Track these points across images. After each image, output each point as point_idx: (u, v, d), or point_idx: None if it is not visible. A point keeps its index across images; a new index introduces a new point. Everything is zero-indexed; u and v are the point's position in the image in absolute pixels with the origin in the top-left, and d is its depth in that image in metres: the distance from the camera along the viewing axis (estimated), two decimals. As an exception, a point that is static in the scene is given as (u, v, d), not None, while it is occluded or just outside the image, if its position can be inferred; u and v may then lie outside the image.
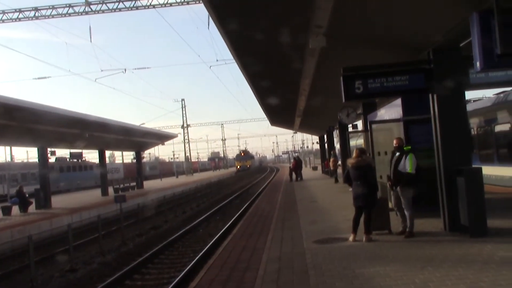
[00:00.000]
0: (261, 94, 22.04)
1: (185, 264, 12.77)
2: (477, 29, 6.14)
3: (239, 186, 47.32)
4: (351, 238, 9.58)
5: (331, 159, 30.58)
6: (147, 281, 11.82)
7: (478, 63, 6.22)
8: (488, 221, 8.86)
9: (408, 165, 9.32)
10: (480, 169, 9.10)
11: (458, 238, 8.85)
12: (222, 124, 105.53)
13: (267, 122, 43.61)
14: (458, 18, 7.65)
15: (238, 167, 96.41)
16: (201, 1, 9.56)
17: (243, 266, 8.49)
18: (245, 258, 9.20)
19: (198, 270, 9.58)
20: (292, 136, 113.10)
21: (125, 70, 35.23)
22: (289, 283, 7.01)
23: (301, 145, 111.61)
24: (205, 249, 14.00)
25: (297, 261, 8.35)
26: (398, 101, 12.22)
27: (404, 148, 9.65)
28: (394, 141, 9.82)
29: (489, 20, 6.03)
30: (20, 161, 69.40)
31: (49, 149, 28.93)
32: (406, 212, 9.58)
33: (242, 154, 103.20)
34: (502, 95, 15.71)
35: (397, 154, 9.63)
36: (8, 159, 55.39)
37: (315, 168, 57.73)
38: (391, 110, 13.29)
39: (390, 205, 10.47)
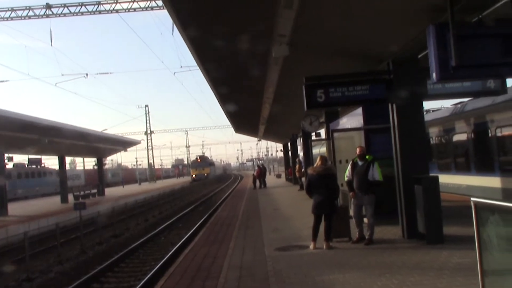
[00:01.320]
0: (225, 101, 22.02)
1: (146, 273, 12.59)
2: (433, 41, 6.31)
3: (203, 193, 47.05)
4: (311, 246, 9.64)
5: (297, 166, 30.73)
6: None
7: (434, 74, 6.39)
8: (445, 228, 9.10)
9: (377, 173, 9.53)
10: (437, 177, 9.32)
11: (416, 245, 9.05)
12: (186, 130, 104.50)
13: (232, 129, 43.64)
14: (415, 31, 7.86)
15: (194, 176, 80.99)
16: (165, 8, 9.46)
17: (204, 274, 8.44)
18: (206, 266, 9.15)
19: (159, 278, 9.46)
20: (257, 144, 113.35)
21: (87, 74, 34.76)
22: (249, 291, 7.01)
23: (266, 153, 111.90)
24: (166, 257, 13.84)
25: (258, 269, 8.35)
26: (360, 110, 12.43)
27: (367, 157, 9.82)
28: (357, 150, 9.99)
29: (444, 33, 6.20)
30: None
31: (6, 155, 28.05)
32: (367, 220, 9.73)
33: (199, 160, 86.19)
34: (459, 105, 16.18)
35: (361, 163, 9.78)
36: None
37: (279, 176, 58.01)
38: (353, 119, 13.51)
39: (350, 212, 10.62)
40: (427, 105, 26.60)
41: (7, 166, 32.27)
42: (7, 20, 23.80)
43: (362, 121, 12.18)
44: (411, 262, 7.79)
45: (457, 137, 16.31)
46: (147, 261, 14.72)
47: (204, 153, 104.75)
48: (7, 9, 23.81)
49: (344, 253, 9.05)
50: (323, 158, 9.85)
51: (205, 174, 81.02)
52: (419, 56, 9.44)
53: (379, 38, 9.35)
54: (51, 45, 29.12)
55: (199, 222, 21.24)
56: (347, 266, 7.94)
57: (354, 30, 9.26)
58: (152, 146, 78.92)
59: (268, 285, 7.19)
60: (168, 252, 14.87)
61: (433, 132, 17.81)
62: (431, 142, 18.01)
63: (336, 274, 7.39)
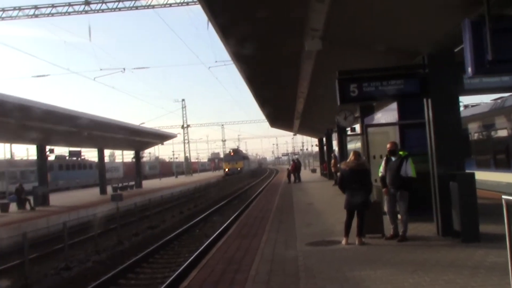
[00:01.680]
0: (259, 96, 22.08)
1: (180, 264, 12.81)
2: (469, 35, 6.17)
3: (238, 187, 47.33)
4: (343, 241, 9.60)
5: (332, 161, 30.46)
6: (140, 280, 11.86)
7: (469, 69, 6.24)
8: (481, 226, 8.87)
9: (410, 169, 9.39)
10: (473, 174, 9.12)
11: (450, 242, 8.87)
12: (222, 124, 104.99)
13: (267, 124, 43.67)
14: (451, 24, 7.69)
15: (227, 169, 76.74)
16: (198, 2, 9.55)
17: (235, 267, 8.51)
18: (238, 259, 9.22)
19: (192, 270, 9.60)
20: (292, 138, 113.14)
21: (124, 69, 35.42)
22: (279, 285, 7.04)
23: (301, 147, 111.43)
24: (200, 249, 14.04)
25: (289, 263, 8.37)
26: (394, 105, 12.26)
27: (401, 152, 9.69)
28: (388, 145, 9.85)
29: (480, 27, 6.05)
30: (20, 158, 69.51)
31: (48, 147, 28.94)
32: (401, 216, 9.61)
33: (232, 153, 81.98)
34: (499, 101, 15.74)
35: (394, 159, 9.66)
36: (8, 156, 55.43)
37: (314, 171, 57.77)
38: (388, 114, 13.34)
39: (384, 208, 10.50)
40: (466, 100, 25.99)
41: (49, 158, 33.15)
42: (48, 16, 24.47)
43: (396, 116, 12.00)
44: (445, 260, 7.65)
45: (497, 133, 15.87)
46: (181, 252, 14.96)
47: (238, 147, 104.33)
48: (47, 5, 24.52)
49: (376, 249, 8.97)
50: (356, 153, 9.77)
51: (238, 168, 75.82)
52: (456, 50, 9.22)
53: (414, 32, 9.20)
54: (90, 40, 29.94)
55: (233, 216, 21.42)
56: (379, 262, 7.87)
57: (388, 24, 9.13)
58: (188, 139, 79.99)
59: (298, 279, 7.20)
60: (202, 244, 15.07)
61: (472, 128, 17.37)
62: (470, 138, 17.58)
63: (368, 271, 7.34)
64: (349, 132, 24.94)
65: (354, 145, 29.61)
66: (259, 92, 20.72)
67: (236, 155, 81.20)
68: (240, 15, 9.70)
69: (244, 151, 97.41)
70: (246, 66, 14.89)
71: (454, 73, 9.23)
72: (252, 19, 9.70)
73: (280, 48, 12.30)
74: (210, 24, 10.69)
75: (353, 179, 9.46)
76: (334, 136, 34.01)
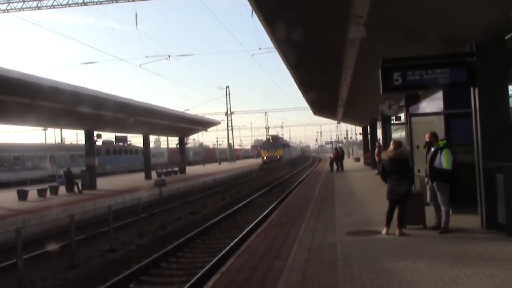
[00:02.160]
0: (303, 83, 21.93)
1: (220, 249, 12.99)
2: (518, 22, 5.94)
3: (280, 174, 47.38)
4: (384, 231, 9.49)
5: (376, 150, 30.00)
6: (181, 264, 12.10)
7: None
8: (528, 220, 8.59)
9: (444, 161, 9.15)
10: (521, 166, 8.80)
11: (494, 236, 8.62)
12: (266, 112, 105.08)
13: (310, 112, 43.35)
14: (501, 11, 7.40)
15: (265, 157, 71.70)
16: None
17: (274, 254, 8.57)
18: (277, 246, 9.28)
19: (231, 255, 9.73)
20: (336, 126, 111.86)
21: (169, 56, 35.87)
22: (316, 273, 7.04)
23: (345, 136, 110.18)
24: (240, 235, 14.18)
25: (327, 252, 8.36)
26: (440, 94, 11.94)
27: (440, 142, 9.46)
28: (426, 136, 9.66)
29: (531, 13, 5.81)
30: (69, 143, 71.84)
31: (95, 132, 29.79)
32: (442, 208, 9.41)
33: (271, 140, 76.85)
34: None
35: (432, 149, 9.46)
36: (58, 140, 57.35)
37: (357, 159, 57.14)
38: (433, 103, 13.01)
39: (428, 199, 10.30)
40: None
41: (97, 143, 34.13)
42: (96, 4, 25.08)
43: (442, 105, 11.69)
44: (488, 253, 7.44)
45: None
46: (222, 238, 15.16)
47: (282, 135, 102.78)
48: (96, -7, 25.11)
49: (416, 241, 8.82)
50: (396, 142, 9.61)
51: (278, 157, 70.86)
52: (506, 38, 8.88)
53: (463, 18, 8.90)
54: (136, 27, 30.37)
55: (275, 203, 21.50)
56: (419, 254, 7.74)
57: (436, 11, 8.86)
58: (232, 126, 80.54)
59: (336, 268, 7.18)
60: (242, 231, 15.22)
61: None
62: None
63: (406, 262, 7.23)
64: (393, 121, 24.50)
65: (399, 134, 29.13)
66: (303, 79, 20.57)
67: (276, 142, 75.67)
68: (283, 2, 9.64)
69: (286, 138, 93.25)
70: (289, 53, 14.80)
71: (504, 61, 8.91)
72: (295, 7, 9.63)
73: (324, 35, 12.14)
74: (254, 12, 10.70)
75: (393, 169, 9.31)
76: (379, 125, 33.51)
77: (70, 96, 20.90)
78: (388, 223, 9.53)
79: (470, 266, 6.76)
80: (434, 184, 9.35)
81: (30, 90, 18.60)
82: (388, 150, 9.61)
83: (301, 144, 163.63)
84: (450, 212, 9.56)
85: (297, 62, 16.34)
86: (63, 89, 20.27)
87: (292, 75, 19.52)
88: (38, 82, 18.71)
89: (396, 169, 9.27)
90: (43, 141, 60.78)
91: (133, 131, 39.38)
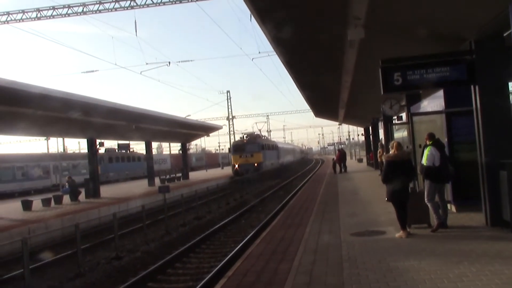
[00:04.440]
0: (303, 86, 22.02)
1: (226, 254, 13.01)
2: (516, 20, 5.97)
3: (283, 178, 47.34)
4: (402, 234, 9.18)
5: (379, 150, 29.98)
6: (187, 269, 12.12)
7: (517, 54, 6.05)
8: (532, 216, 8.61)
9: (423, 157, 9.48)
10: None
11: (499, 233, 8.65)
12: (267, 115, 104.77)
13: (312, 114, 43.31)
14: (499, 8, 7.44)
15: (236, 166, 49.29)
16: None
17: (279, 257, 8.59)
18: (282, 249, 9.30)
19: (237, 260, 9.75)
20: (338, 128, 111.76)
21: (169, 63, 35.77)
22: (322, 274, 7.07)
23: (347, 137, 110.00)
24: (246, 239, 14.21)
25: (332, 253, 8.38)
26: (441, 93, 11.96)
27: (430, 142, 9.60)
28: (426, 137, 9.82)
29: (528, 10, 5.85)
30: (72, 152, 72.00)
31: (98, 140, 29.87)
32: (427, 204, 9.49)
33: (245, 140, 52.70)
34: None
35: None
36: (61, 150, 57.48)
37: (360, 160, 57.13)
38: (434, 102, 13.02)
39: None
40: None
41: (99, 151, 34.23)
42: (96, 13, 25.22)
43: (443, 104, 11.72)
44: (493, 250, 7.47)
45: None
46: (227, 243, 15.18)
47: (284, 138, 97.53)
48: (95, 2, 25.19)
49: (421, 240, 8.83)
50: (397, 143, 9.61)
51: (255, 164, 48.39)
52: (505, 35, 8.91)
53: (460, 16, 8.95)
54: (136, 35, 30.44)
55: (278, 206, 21.51)
56: (424, 253, 7.76)
57: (434, 9, 8.91)
58: (234, 131, 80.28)
59: (342, 269, 7.21)
60: (247, 235, 15.24)
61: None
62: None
63: (412, 261, 7.26)
64: (395, 121, 24.50)
65: (401, 134, 29.13)
66: (303, 82, 20.67)
67: (251, 143, 50.78)
68: (283, 6, 9.70)
69: (265, 137, 63.25)
70: (289, 56, 14.89)
71: (503, 59, 8.96)
72: (293, 6, 9.69)
73: (323, 37, 12.20)
74: (252, 16, 10.76)
75: (396, 170, 9.26)
76: (381, 125, 33.53)
77: (73, 105, 20.90)
78: (403, 225, 9.25)
79: (476, 263, 6.78)
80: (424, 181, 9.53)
81: (16, 98, 18.01)
82: (391, 152, 9.51)
83: (303, 146, 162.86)
84: (454, 210, 9.60)
85: (297, 65, 16.42)
86: (53, 96, 20.03)
87: (292, 78, 19.61)
88: (27, 90, 18.12)
89: (401, 170, 9.23)
90: (45, 151, 60.92)
91: (135, 138, 39.46)
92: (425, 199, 9.48)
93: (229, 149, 59.07)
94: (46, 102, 19.18)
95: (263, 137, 58.17)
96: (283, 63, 16.18)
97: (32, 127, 22.42)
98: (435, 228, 9.39)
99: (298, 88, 22.90)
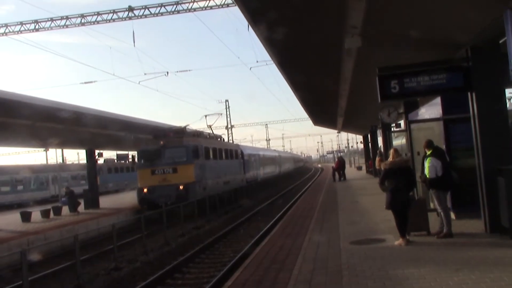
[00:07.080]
0: (301, 94, 22.05)
1: (225, 264, 12.96)
2: (511, 27, 6.00)
3: (281, 186, 47.24)
4: (401, 242, 9.16)
5: (377, 158, 29.97)
6: (187, 280, 12.08)
7: (512, 61, 6.08)
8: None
9: (425, 170, 9.48)
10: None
11: (498, 240, 8.64)
12: (266, 124, 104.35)
13: (311, 122, 43.41)
14: (494, 15, 7.47)
15: (144, 189, 25.10)
16: (236, 4, 9.64)
17: (279, 266, 8.58)
18: (281, 258, 9.29)
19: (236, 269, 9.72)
20: (337, 136, 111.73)
21: (168, 72, 35.67)
22: (322, 283, 7.05)
23: (346, 145, 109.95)
24: (244, 249, 14.15)
25: (332, 262, 8.37)
26: (438, 100, 12.01)
27: (428, 151, 9.61)
28: (424, 145, 9.85)
29: (522, 17, 5.88)
30: (70, 162, 71.89)
31: (96, 151, 29.87)
32: (442, 212, 9.47)
33: (162, 142, 25.38)
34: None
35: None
36: (60, 160, 57.42)
37: (359, 168, 57.12)
38: (432, 109, 13.07)
39: (432, 205, 10.34)
40: None
41: (98, 162, 34.20)
42: (94, 24, 25.22)
43: (441, 111, 11.75)
44: (492, 257, 7.45)
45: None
46: (226, 252, 15.12)
47: (283, 146, 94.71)
48: (93, 13, 25.25)
49: (421, 247, 8.82)
50: (394, 150, 9.63)
51: (180, 187, 24.33)
52: (501, 42, 8.95)
53: (456, 24, 9.00)
54: (134, 45, 30.54)
55: (278, 215, 21.46)
56: (423, 260, 7.75)
57: (430, 17, 8.96)
58: (233, 139, 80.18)
59: (341, 278, 7.20)
60: (246, 244, 15.19)
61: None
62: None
63: (411, 269, 7.24)
64: (393, 129, 24.56)
65: (400, 141, 29.16)
66: (301, 90, 20.72)
67: (174, 147, 25.51)
68: (281, 15, 9.73)
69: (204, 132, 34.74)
70: (286, 65, 14.93)
71: (499, 65, 8.95)
72: (290, 18, 9.73)
73: (320, 46, 12.25)
74: (249, 26, 10.79)
75: (396, 178, 9.24)
76: (379, 133, 33.58)
77: (71, 116, 20.90)
78: (403, 233, 9.22)
79: (475, 270, 6.77)
80: (430, 190, 9.52)
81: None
82: (390, 159, 9.51)
83: (302, 155, 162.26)
84: (453, 217, 9.59)
85: (295, 74, 16.46)
86: (64, 110, 20.23)
87: (290, 87, 19.64)
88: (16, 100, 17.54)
89: (400, 177, 9.22)
90: (44, 162, 60.85)
91: (134, 148, 39.40)
92: (439, 208, 9.46)
93: (133, 158, 35.45)
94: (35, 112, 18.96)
95: (209, 136, 33.37)
96: (280, 72, 16.21)
97: (29, 138, 22.38)
98: (443, 235, 9.34)
99: (296, 97, 22.95)
